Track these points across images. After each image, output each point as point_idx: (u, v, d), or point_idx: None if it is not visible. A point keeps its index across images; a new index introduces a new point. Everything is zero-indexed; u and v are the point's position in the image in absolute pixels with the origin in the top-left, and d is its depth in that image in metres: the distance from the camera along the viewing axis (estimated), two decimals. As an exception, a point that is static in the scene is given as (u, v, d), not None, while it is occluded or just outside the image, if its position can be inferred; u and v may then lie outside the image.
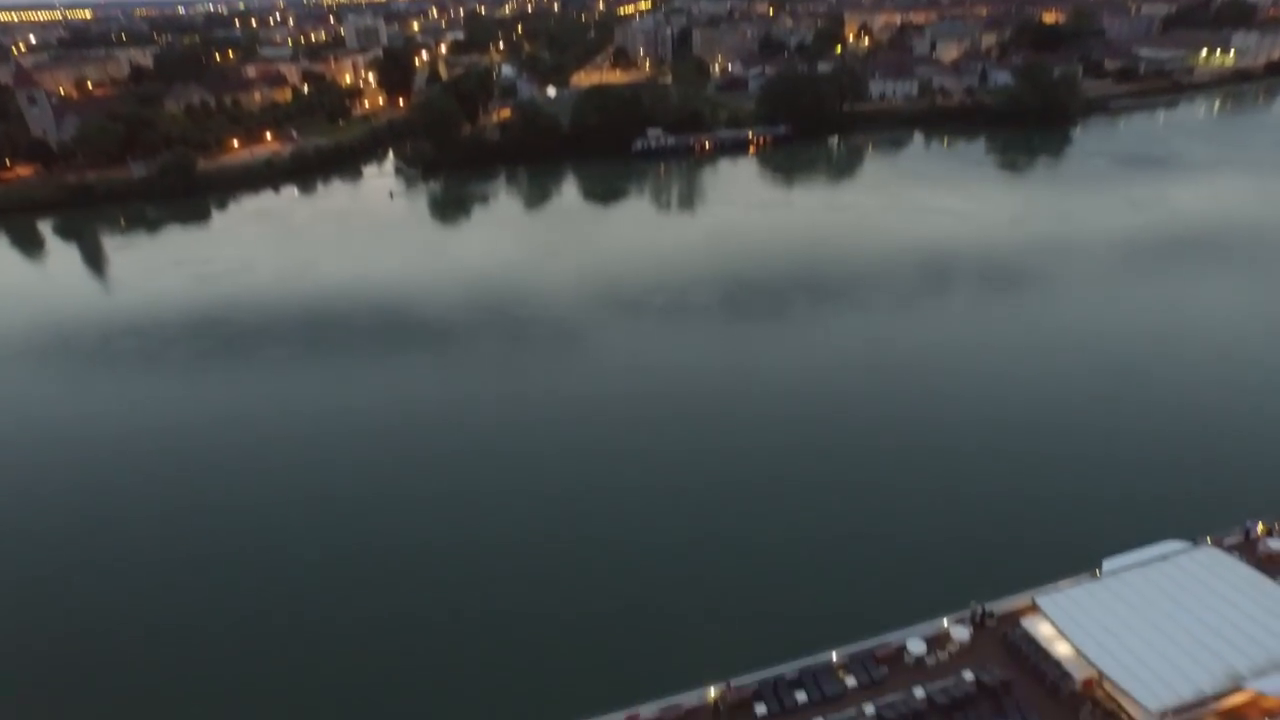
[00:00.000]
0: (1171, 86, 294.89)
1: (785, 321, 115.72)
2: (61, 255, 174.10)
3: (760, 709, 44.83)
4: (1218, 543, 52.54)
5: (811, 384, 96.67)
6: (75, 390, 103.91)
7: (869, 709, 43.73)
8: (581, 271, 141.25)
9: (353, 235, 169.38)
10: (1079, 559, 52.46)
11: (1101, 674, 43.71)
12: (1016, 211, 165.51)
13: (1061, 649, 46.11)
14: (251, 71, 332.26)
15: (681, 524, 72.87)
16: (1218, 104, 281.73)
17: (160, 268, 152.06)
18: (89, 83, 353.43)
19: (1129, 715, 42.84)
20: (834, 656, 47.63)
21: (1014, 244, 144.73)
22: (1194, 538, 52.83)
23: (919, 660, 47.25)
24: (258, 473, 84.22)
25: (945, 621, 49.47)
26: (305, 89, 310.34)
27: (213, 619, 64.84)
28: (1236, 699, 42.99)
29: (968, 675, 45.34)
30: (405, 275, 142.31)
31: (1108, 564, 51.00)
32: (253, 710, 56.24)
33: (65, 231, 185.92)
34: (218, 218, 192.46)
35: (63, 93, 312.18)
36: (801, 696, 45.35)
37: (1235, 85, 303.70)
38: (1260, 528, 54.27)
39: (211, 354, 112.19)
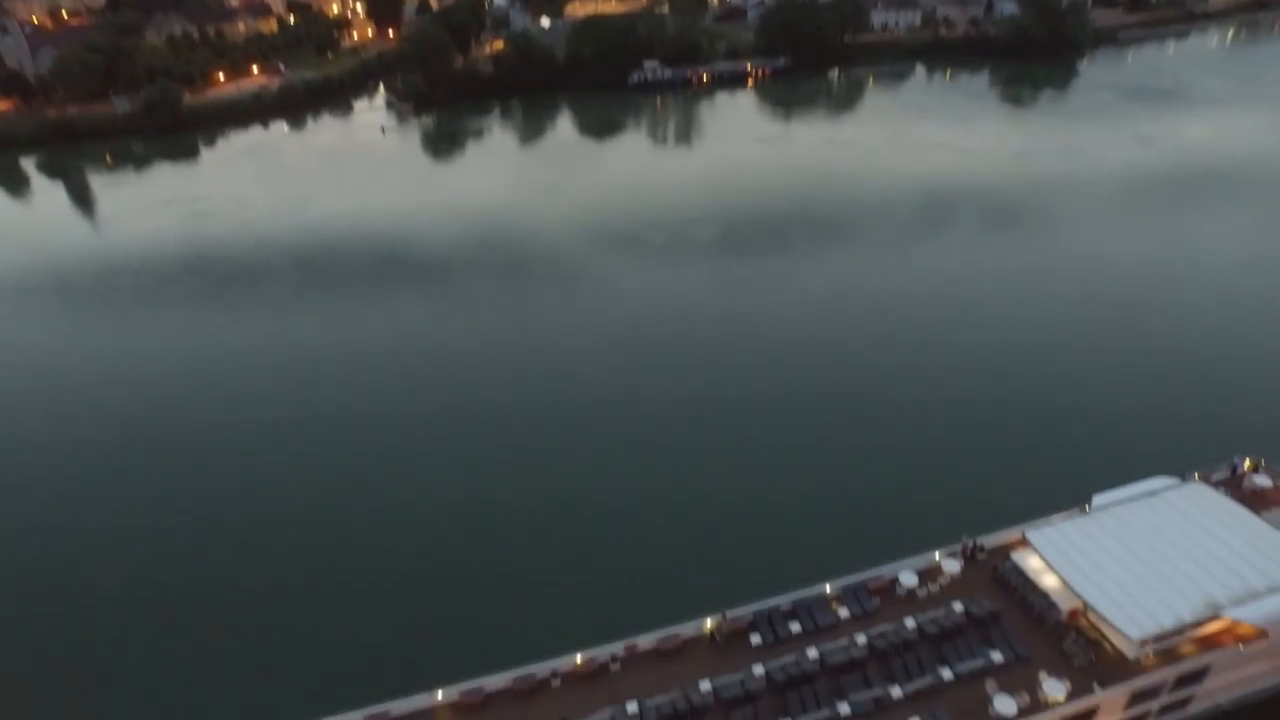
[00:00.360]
0: (1184, 16, 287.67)
1: (784, 259, 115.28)
2: (48, 194, 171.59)
3: (755, 639, 46.28)
4: (1205, 479, 53.65)
5: (807, 322, 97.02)
6: (73, 331, 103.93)
7: (860, 639, 45.14)
8: (579, 207, 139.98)
9: (346, 171, 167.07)
10: (1070, 495, 53.46)
11: (1086, 604, 45.12)
12: (1020, 146, 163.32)
13: (1049, 581, 47.48)
14: (235, 1, 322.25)
15: (678, 461, 73.99)
16: (1231, 34, 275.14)
17: (152, 206, 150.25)
18: (64, 11, 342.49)
19: (1111, 643, 44.44)
20: (827, 589, 48.94)
21: (1017, 180, 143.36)
22: (1183, 475, 53.97)
23: (910, 592, 48.57)
24: (257, 411, 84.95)
25: (937, 555, 50.73)
26: (291, 20, 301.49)
27: (211, 559, 66.03)
28: (1213, 626, 44.62)
29: (957, 606, 46.74)
30: (401, 211, 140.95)
31: (1097, 499, 52.17)
32: (261, 657, 57.53)
33: (50, 169, 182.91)
34: (206, 154, 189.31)
35: (35, 21, 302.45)
36: (795, 627, 46.76)
37: (1250, 14, 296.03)
38: (1247, 464, 55.35)
39: (208, 293, 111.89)
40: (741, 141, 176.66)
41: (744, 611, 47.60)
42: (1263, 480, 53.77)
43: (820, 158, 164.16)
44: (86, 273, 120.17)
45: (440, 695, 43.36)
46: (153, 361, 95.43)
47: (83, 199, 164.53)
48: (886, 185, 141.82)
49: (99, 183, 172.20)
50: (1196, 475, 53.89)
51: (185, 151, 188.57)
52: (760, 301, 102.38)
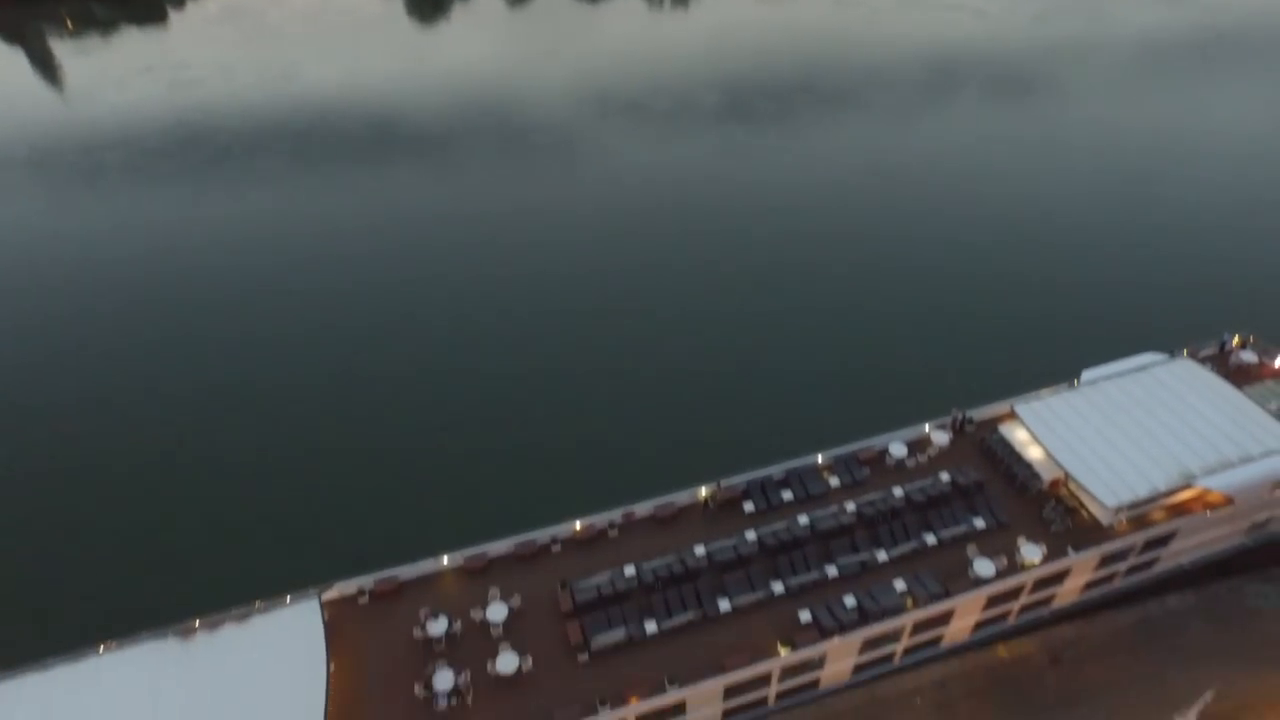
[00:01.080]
0: None
1: (787, 126, 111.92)
2: (9, 61, 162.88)
3: (748, 506, 48.40)
4: (1194, 355, 54.56)
5: (808, 193, 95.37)
6: (59, 208, 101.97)
7: (850, 506, 47.23)
8: (577, 73, 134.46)
9: (333, 36, 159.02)
10: (1061, 370, 54.60)
11: (1068, 474, 47.03)
12: (1039, 7, 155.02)
13: (1034, 452, 49.26)
14: None
15: (676, 333, 74.84)
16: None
17: (129, 75, 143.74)
18: None
19: (1087, 510, 46.63)
20: (819, 459, 50.73)
21: (1033, 45, 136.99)
22: (1173, 351, 54.81)
23: (900, 462, 50.43)
24: (258, 286, 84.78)
25: (926, 427, 52.34)
26: None
27: (213, 432, 67.61)
28: (1185, 494, 46.76)
29: (944, 476, 48.66)
30: (393, 78, 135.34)
31: (1086, 374, 53.30)
32: (272, 527, 59.70)
33: (6, 34, 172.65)
34: (176, 19, 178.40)
35: None
36: (787, 495, 48.80)
37: None
38: (1235, 340, 56.17)
39: (201, 168, 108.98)
40: (745, 1, 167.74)
41: (738, 480, 49.49)
42: (1249, 356, 54.74)
43: (825, 18, 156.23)
44: (68, 148, 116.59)
45: (446, 560, 45.76)
46: (149, 237, 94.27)
47: (48, 68, 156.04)
48: (894, 50, 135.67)
49: (64, 50, 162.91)
50: (1185, 352, 54.78)
51: (152, 15, 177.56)
52: (761, 171, 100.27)
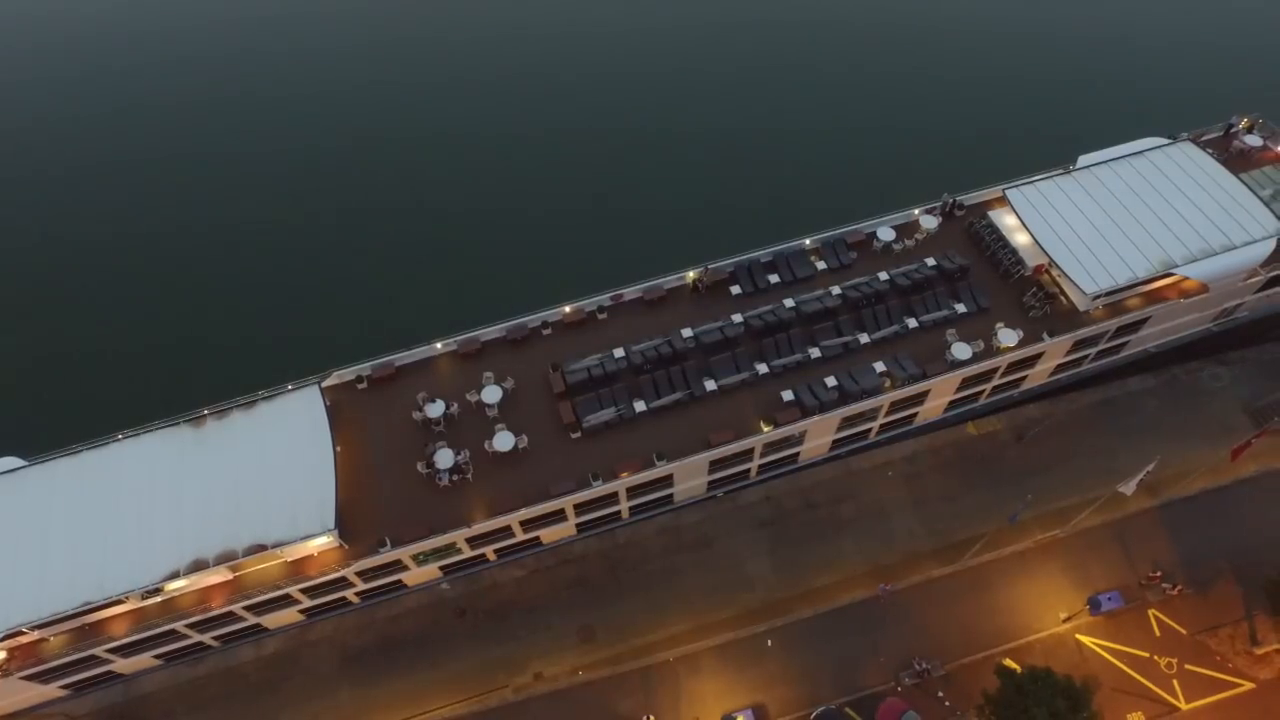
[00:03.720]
0: None
1: None
2: None
3: (735, 289, 48.61)
4: (1196, 139, 53.08)
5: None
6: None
7: (835, 290, 47.51)
8: None
9: None
10: (1058, 154, 53.02)
11: (1051, 260, 47.34)
12: None
13: (1021, 238, 49.17)
14: None
15: (664, 117, 70.94)
16: None
17: None
18: None
19: (1066, 297, 47.63)
20: (807, 242, 50.30)
21: None
22: (1175, 135, 53.18)
23: (887, 247, 50.14)
24: (261, 47, 79.45)
25: (916, 212, 51.54)
26: None
27: (221, 209, 65.65)
28: (1162, 282, 47.65)
29: (930, 261, 48.62)
30: None
31: (1083, 159, 51.92)
32: (268, 317, 59.83)
33: None
34: None
35: None
36: (774, 278, 48.87)
37: None
38: (1244, 123, 54.29)
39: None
40: None
41: (725, 264, 49.28)
42: (1253, 140, 53.19)
43: None
44: None
45: (440, 346, 46.15)
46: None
47: None
48: None
49: None
50: (1187, 135, 53.29)
51: None
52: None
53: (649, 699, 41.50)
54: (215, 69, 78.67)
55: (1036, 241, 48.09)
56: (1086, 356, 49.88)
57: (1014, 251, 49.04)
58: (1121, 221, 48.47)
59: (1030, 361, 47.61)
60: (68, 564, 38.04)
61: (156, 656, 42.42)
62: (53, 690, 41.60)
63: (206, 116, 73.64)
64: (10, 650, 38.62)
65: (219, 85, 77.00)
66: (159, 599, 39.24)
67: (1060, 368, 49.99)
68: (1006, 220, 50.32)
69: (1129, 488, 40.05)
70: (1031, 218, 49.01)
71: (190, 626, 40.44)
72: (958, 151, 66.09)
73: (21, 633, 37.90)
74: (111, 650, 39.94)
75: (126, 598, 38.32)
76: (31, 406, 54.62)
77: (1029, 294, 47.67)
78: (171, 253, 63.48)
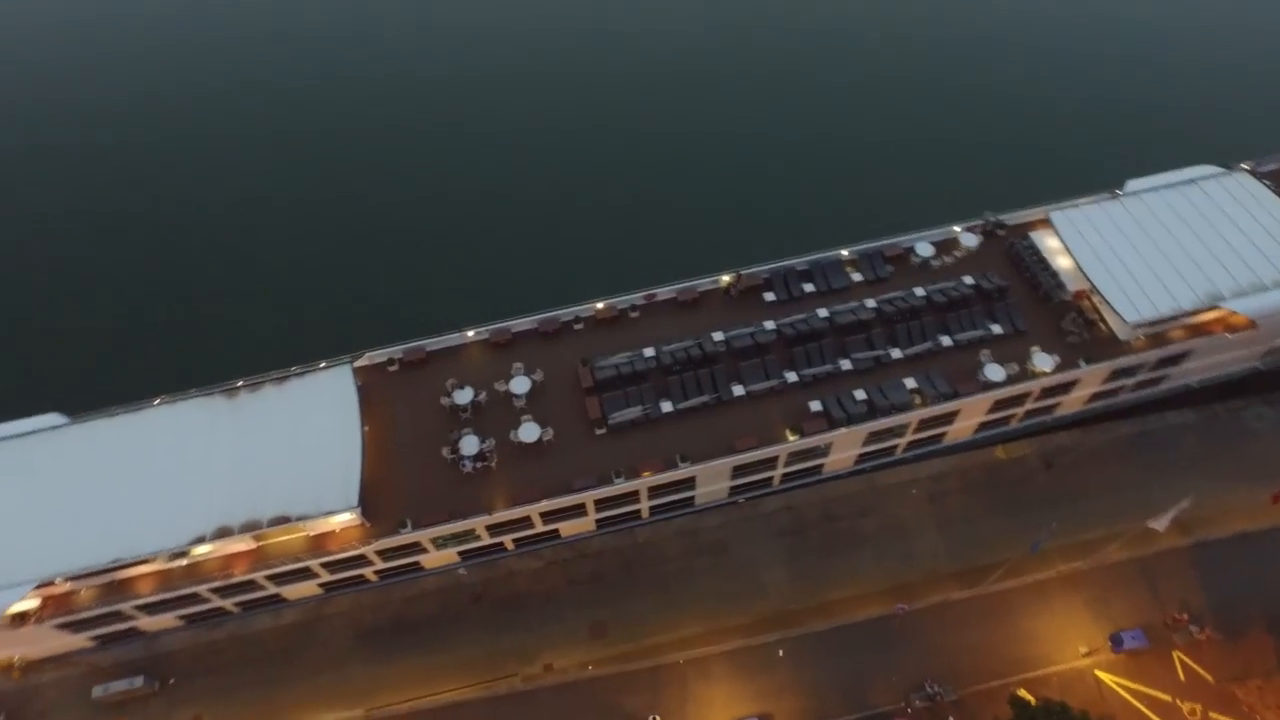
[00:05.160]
0: None
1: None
2: None
3: (769, 295, 48.52)
4: (1253, 169, 51.61)
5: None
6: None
7: (870, 303, 47.24)
8: None
9: None
10: (1106, 179, 52.08)
11: (1093, 286, 46.46)
12: None
13: (1062, 262, 48.37)
14: None
15: (704, 120, 71.03)
16: None
17: None
18: None
19: (1106, 324, 46.68)
20: (844, 253, 50.04)
21: None
22: (1231, 164, 51.87)
23: (925, 262, 49.73)
24: (310, 39, 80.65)
25: (957, 229, 51.03)
26: None
27: (275, 187, 67.17)
28: (1208, 315, 46.46)
29: (968, 279, 48.13)
30: None
31: (1131, 185, 50.92)
32: (302, 299, 60.89)
33: None
34: None
35: None
36: (809, 287, 48.74)
37: None
38: (1305, 154, 52.78)
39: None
40: None
41: (761, 270, 49.25)
42: (1314, 173, 51.79)
43: None
44: None
45: (471, 334, 46.78)
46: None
47: None
48: None
49: None
50: (1245, 165, 51.97)
51: None
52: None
53: (656, 699, 41.53)
54: (265, 48, 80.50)
55: (1079, 266, 47.25)
56: (1124, 387, 48.82)
57: (1055, 275, 48.27)
58: (1168, 251, 47.42)
59: (1065, 388, 46.78)
60: (101, 521, 39.42)
61: (179, 617, 43.59)
62: (81, 640, 43.01)
63: (265, 97, 75.28)
64: (45, 599, 40.04)
65: (275, 62, 78.73)
66: (185, 562, 40.42)
67: (1096, 396, 48.99)
68: (1049, 243, 49.55)
69: (1161, 524, 39.03)
70: (1075, 242, 48.18)
71: (213, 591, 41.53)
72: (1001, 170, 65.08)
73: (55, 583, 39.31)
74: (137, 607, 41.16)
75: (154, 558, 39.49)
76: (75, 368, 56.31)
77: (1068, 319, 46.89)
78: (220, 228, 65.04)
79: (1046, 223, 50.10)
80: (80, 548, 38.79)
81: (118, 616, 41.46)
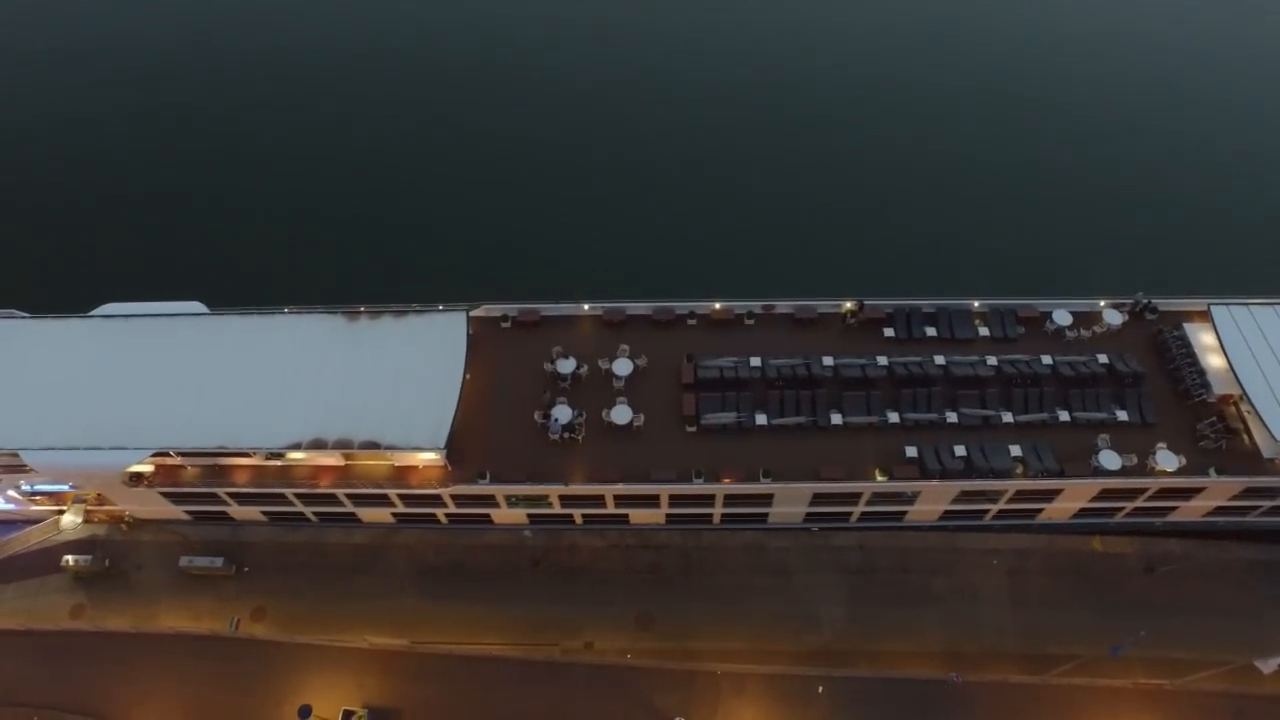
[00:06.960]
0: None
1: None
2: None
3: (888, 331, 47.10)
4: None
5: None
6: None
7: (991, 360, 45.19)
8: None
9: None
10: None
11: (1244, 393, 42.73)
12: None
13: (1214, 361, 44.77)
14: None
15: (860, 146, 69.86)
16: None
17: None
18: None
19: (1249, 436, 42.97)
20: (975, 304, 48.02)
21: None
22: None
23: (1059, 331, 47.07)
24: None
25: (1101, 303, 48.05)
26: None
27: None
28: (1369, 450, 42.16)
29: (1102, 357, 45.32)
30: None
31: (1309, 291, 46.78)
32: (431, 245, 63.00)
33: None
34: None
35: None
36: (931, 331, 47.02)
37: None
38: None
39: None
40: None
41: (885, 304, 47.85)
42: None
43: None
44: None
45: (586, 307, 47.53)
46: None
47: None
48: None
49: None
50: None
51: None
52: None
53: (687, 702, 41.27)
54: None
55: (1232, 368, 43.54)
56: (1257, 508, 45.09)
57: (1202, 373, 44.71)
58: (1339, 371, 43.28)
59: (1186, 494, 43.54)
60: (215, 408, 42.30)
61: (264, 513, 46.45)
62: (179, 512, 46.50)
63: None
64: (158, 466, 43.43)
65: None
66: (279, 463, 42.89)
67: (1220, 510, 45.32)
68: (1203, 338, 45.96)
69: (1269, 666, 35.53)
70: (1234, 341, 44.46)
71: (297, 495, 43.94)
72: (1158, 250, 60.90)
73: (168, 455, 42.56)
74: (230, 494, 44.05)
75: (253, 453, 42.21)
76: (222, 263, 60.38)
77: (1206, 422, 43.45)
78: (380, 163, 68.32)
79: (1205, 315, 46.46)
80: (194, 428, 41.84)
81: (213, 498, 44.52)
